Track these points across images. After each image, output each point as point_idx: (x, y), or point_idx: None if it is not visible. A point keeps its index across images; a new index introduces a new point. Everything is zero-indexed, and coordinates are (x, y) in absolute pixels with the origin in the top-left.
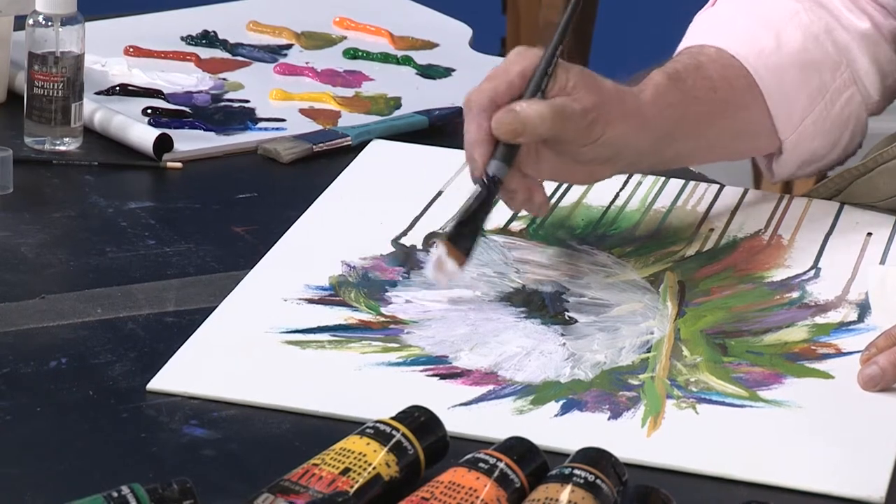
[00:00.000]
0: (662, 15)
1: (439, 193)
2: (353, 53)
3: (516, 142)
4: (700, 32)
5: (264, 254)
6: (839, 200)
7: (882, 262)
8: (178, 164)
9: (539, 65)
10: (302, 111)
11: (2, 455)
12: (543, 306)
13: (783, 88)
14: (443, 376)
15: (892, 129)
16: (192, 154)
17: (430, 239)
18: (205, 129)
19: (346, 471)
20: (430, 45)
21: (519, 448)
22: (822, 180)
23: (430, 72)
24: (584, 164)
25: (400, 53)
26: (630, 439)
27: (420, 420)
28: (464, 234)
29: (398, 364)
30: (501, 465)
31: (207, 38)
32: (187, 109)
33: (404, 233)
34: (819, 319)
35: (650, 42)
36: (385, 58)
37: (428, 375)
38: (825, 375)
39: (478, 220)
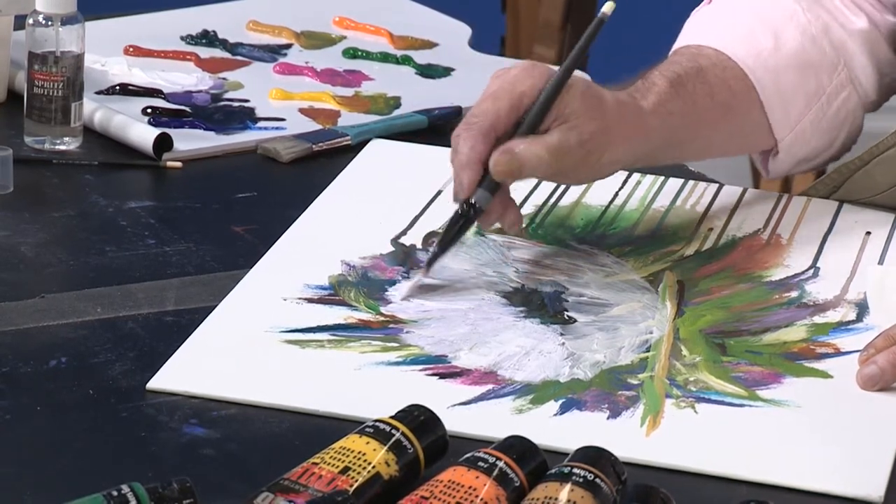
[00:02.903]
0: (661, 16)
1: (439, 193)
2: (352, 53)
3: (511, 181)
4: (697, 31)
5: (264, 253)
6: (838, 197)
7: (881, 261)
8: (178, 164)
9: (543, 92)
10: (301, 111)
11: (1, 455)
12: (543, 306)
13: (780, 91)
14: (442, 376)
15: (890, 129)
16: (191, 153)
17: (429, 238)
18: (204, 129)
19: (345, 470)
20: (429, 45)
21: (518, 447)
22: (820, 177)
23: (430, 71)
24: (578, 178)
25: (399, 53)
26: (629, 438)
27: (419, 419)
28: (437, 259)
29: (398, 363)
30: (501, 463)
31: (207, 38)
32: (187, 109)
33: (404, 232)
34: (818, 319)
35: (648, 43)
36: (384, 57)
37: (427, 375)
38: (824, 375)
39: (454, 243)
